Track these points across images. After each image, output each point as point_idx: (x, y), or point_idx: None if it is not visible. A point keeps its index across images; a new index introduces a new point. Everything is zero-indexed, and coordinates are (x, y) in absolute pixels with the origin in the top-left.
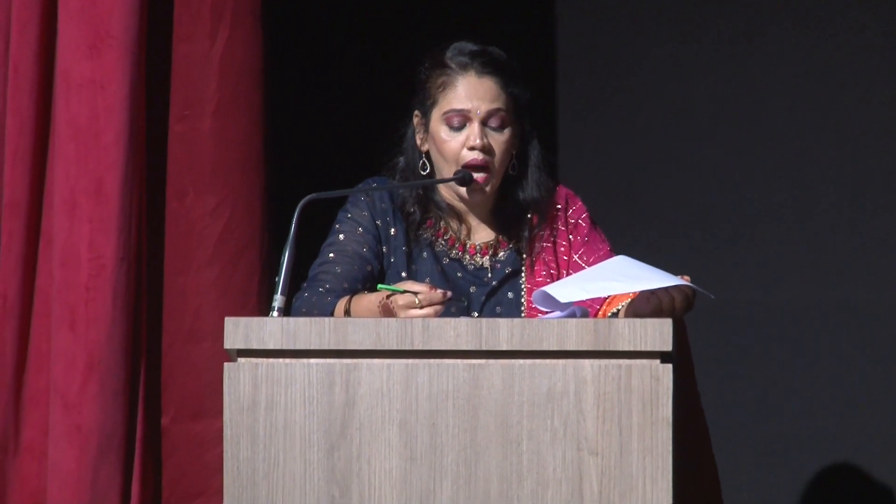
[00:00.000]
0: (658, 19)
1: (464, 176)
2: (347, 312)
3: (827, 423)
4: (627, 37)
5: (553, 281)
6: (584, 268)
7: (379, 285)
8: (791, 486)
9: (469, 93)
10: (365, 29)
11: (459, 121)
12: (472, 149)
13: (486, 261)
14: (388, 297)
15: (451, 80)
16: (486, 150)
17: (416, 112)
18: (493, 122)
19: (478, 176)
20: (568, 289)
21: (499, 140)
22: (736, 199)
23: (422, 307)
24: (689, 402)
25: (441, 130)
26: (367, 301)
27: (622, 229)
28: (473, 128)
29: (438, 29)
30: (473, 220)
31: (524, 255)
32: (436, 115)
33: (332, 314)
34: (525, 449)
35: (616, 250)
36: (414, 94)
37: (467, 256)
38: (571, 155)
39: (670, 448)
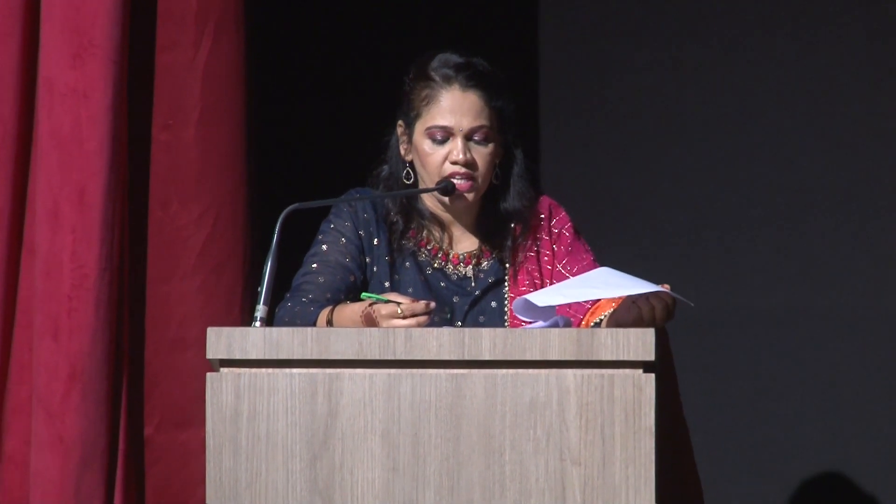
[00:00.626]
0: (644, 25)
1: (446, 186)
2: (330, 322)
3: (817, 430)
4: (612, 42)
5: (536, 290)
6: (567, 277)
7: (363, 294)
8: (779, 493)
9: (453, 108)
10: (349, 37)
11: (442, 135)
12: (454, 163)
13: (469, 270)
14: (370, 305)
15: (434, 94)
16: (469, 164)
17: (400, 122)
18: (477, 137)
19: (461, 183)
20: (547, 295)
21: (482, 153)
22: (726, 206)
23: (404, 317)
24: (670, 411)
25: (424, 144)
26: (350, 311)
27: (610, 237)
28: (456, 142)
29: (423, 37)
30: (457, 230)
31: (507, 265)
32: (419, 128)
33: (314, 324)
34: (508, 459)
35: (604, 257)
36: (398, 103)
37: (450, 266)
38: (556, 162)
39: (653, 457)
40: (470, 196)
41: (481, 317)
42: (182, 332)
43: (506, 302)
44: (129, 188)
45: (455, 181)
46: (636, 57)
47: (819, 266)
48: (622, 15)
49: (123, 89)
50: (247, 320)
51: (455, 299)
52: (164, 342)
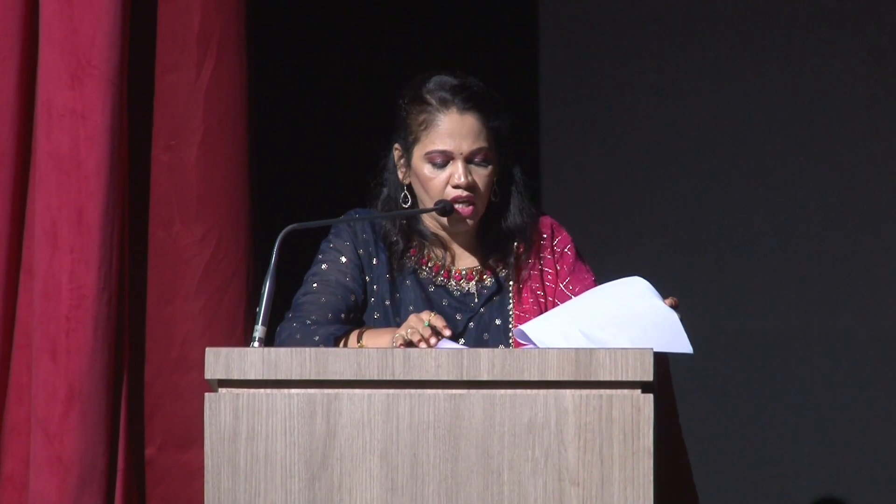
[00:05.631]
0: (641, 48)
1: (444, 207)
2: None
3: (812, 450)
4: (610, 64)
5: (541, 308)
6: (570, 297)
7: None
8: None
9: (451, 132)
10: (352, 57)
11: (443, 160)
12: (456, 186)
13: (472, 286)
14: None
15: (432, 118)
16: (471, 187)
17: (397, 146)
18: (477, 159)
19: (463, 208)
20: (548, 332)
21: (482, 174)
22: (720, 228)
23: (429, 328)
24: (671, 436)
25: (424, 168)
26: (390, 333)
27: (605, 257)
28: (457, 166)
29: (425, 57)
30: (458, 248)
31: (511, 282)
32: (418, 152)
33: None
34: (506, 479)
35: (599, 277)
36: (394, 125)
37: (453, 282)
38: (554, 181)
39: (651, 478)
40: (471, 221)
41: (485, 334)
42: (185, 352)
43: (510, 320)
44: (131, 209)
45: (457, 206)
46: (634, 80)
47: (815, 289)
48: (622, 38)
49: (123, 110)
50: (249, 341)
51: (458, 316)
52: (166, 363)
